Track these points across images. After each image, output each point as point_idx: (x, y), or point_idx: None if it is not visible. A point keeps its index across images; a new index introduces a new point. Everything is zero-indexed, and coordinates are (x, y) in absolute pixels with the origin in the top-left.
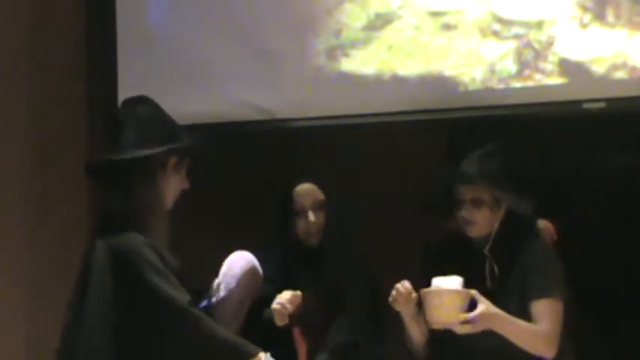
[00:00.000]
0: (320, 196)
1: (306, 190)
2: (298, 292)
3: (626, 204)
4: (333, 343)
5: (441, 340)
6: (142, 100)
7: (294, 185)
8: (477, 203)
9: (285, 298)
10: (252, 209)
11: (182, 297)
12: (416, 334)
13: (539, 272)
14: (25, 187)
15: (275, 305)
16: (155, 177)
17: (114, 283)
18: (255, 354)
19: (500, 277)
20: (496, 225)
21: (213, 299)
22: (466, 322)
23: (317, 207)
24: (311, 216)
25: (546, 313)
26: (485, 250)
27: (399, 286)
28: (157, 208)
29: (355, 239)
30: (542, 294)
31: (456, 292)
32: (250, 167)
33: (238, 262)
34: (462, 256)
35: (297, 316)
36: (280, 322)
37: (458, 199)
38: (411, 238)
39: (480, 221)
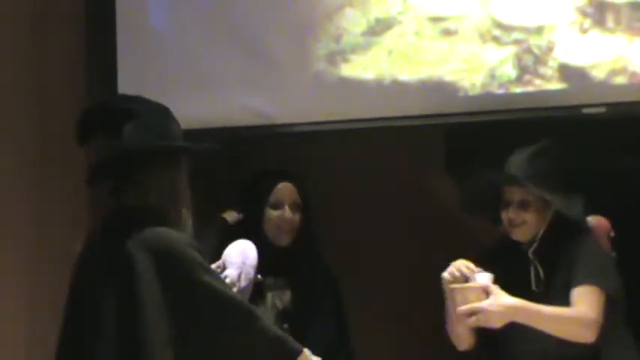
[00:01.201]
0: (298, 197)
1: (285, 187)
2: None
3: (627, 209)
4: None
5: (488, 342)
6: (145, 100)
7: (276, 183)
8: (524, 205)
9: None
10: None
11: (235, 293)
12: (461, 330)
13: (581, 264)
14: (26, 187)
15: None
16: (181, 171)
17: (162, 290)
18: (302, 350)
19: (546, 279)
20: (543, 227)
21: (234, 290)
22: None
23: (294, 206)
24: (287, 211)
25: (584, 297)
26: (530, 253)
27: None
28: (188, 203)
29: (333, 245)
30: (581, 281)
31: (462, 289)
32: (249, 172)
33: (250, 251)
34: (507, 258)
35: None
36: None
37: (505, 201)
38: (405, 243)
39: (527, 224)
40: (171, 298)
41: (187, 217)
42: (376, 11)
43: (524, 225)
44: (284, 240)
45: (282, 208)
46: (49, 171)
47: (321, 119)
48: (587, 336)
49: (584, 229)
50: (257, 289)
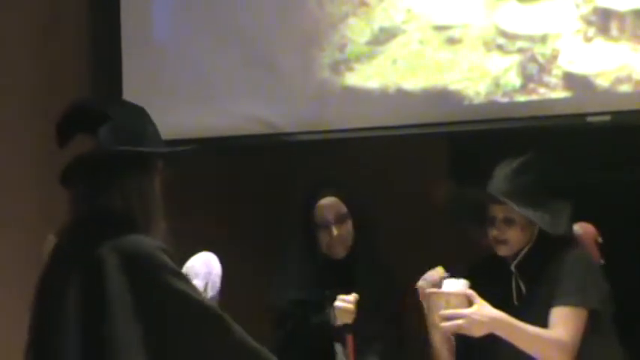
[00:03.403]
0: (343, 209)
1: (328, 203)
2: (356, 295)
3: (631, 218)
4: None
5: (467, 349)
6: (118, 99)
7: (317, 200)
8: (508, 222)
9: (347, 297)
10: (256, 223)
11: (208, 300)
12: (438, 338)
13: (563, 280)
14: (31, 193)
15: (339, 303)
16: (153, 176)
17: (133, 294)
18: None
19: (527, 294)
20: (528, 243)
21: None
22: (451, 320)
23: (340, 220)
24: (334, 230)
25: (561, 320)
26: (512, 266)
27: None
28: (160, 208)
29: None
30: (561, 301)
31: (445, 294)
32: (253, 181)
33: (214, 262)
34: (492, 270)
35: (354, 320)
36: (344, 320)
37: (490, 217)
38: (409, 250)
39: (512, 240)
40: (140, 301)
41: (158, 222)
42: (380, 20)
43: (509, 242)
44: (339, 253)
45: (328, 226)
46: (52, 173)
47: (326, 128)
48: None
49: (570, 242)
50: (320, 304)
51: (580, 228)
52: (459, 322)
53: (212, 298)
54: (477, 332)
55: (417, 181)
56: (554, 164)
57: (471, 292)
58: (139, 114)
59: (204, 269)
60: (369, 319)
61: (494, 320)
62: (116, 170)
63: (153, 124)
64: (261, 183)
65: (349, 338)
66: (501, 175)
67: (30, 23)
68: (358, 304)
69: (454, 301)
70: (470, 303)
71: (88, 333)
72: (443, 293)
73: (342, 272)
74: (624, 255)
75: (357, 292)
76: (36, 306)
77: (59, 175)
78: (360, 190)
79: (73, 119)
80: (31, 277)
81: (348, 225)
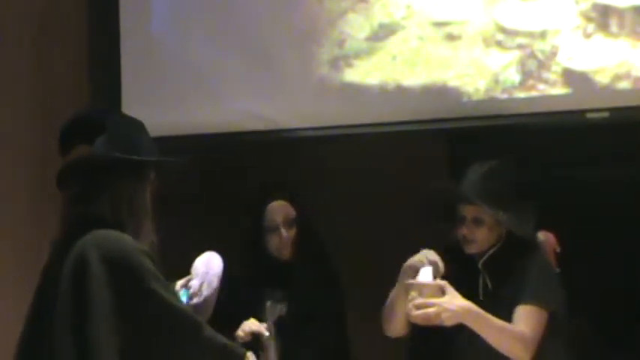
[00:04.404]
0: (292, 212)
1: (277, 207)
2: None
3: (630, 214)
4: None
5: (426, 337)
6: (117, 111)
7: (267, 203)
8: (477, 222)
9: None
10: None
11: (182, 304)
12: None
13: (528, 282)
14: (29, 194)
15: (239, 332)
16: (145, 185)
17: (113, 293)
18: (245, 354)
19: (493, 291)
20: (496, 243)
21: (196, 299)
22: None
23: (288, 223)
24: (282, 232)
25: (525, 317)
26: (480, 264)
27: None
28: (149, 216)
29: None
30: (525, 300)
31: (418, 285)
32: (253, 177)
33: (215, 261)
34: (459, 265)
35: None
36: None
37: (459, 216)
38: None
39: (480, 240)
40: (121, 302)
41: (148, 229)
42: (380, 16)
43: (477, 241)
44: (284, 254)
45: (277, 229)
46: (50, 173)
47: (325, 124)
48: (522, 354)
49: (534, 246)
50: (258, 301)
51: (542, 235)
52: (430, 310)
53: (207, 296)
54: (448, 321)
55: (416, 179)
56: (524, 168)
57: (444, 282)
58: (136, 126)
59: (202, 269)
60: (305, 322)
61: (464, 310)
62: (108, 176)
63: (148, 137)
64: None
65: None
66: (474, 177)
67: (29, 22)
68: (297, 305)
69: (427, 291)
70: (443, 293)
71: (74, 333)
72: (416, 284)
73: (285, 273)
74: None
75: (298, 293)
76: (33, 305)
77: (55, 177)
78: (362, 191)
79: (73, 130)
80: (25, 283)
81: (294, 229)
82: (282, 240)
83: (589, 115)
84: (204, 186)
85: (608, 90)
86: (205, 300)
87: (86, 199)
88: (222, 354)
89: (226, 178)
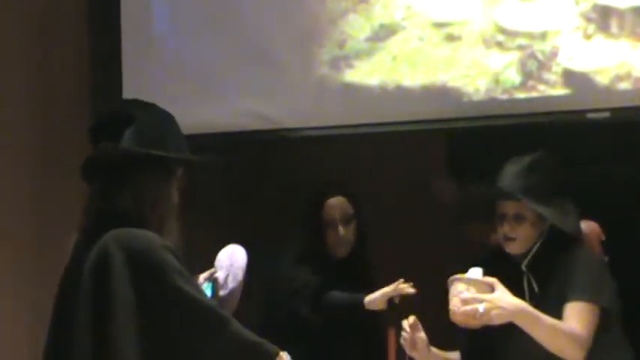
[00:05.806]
0: (350, 209)
1: (335, 203)
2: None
3: (631, 214)
4: None
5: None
6: (150, 104)
7: (324, 200)
8: (519, 219)
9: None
10: (255, 217)
11: (208, 299)
12: None
13: (575, 279)
14: (30, 194)
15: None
16: (171, 181)
17: (135, 292)
18: (278, 353)
19: (540, 292)
20: (537, 240)
21: (222, 292)
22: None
23: (346, 220)
24: (341, 229)
25: (576, 314)
26: (523, 266)
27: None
28: (173, 213)
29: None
30: (574, 296)
31: (466, 279)
32: (254, 176)
33: (239, 254)
34: (500, 269)
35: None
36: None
37: (499, 214)
38: (409, 245)
39: (522, 237)
40: (144, 300)
41: (171, 226)
42: (380, 17)
43: (519, 239)
44: (342, 252)
45: (335, 226)
46: (50, 173)
47: (325, 124)
48: (575, 354)
49: (579, 241)
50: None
51: (585, 225)
52: (479, 305)
53: (232, 288)
54: (497, 319)
55: (417, 178)
56: (562, 163)
57: (494, 280)
58: (167, 120)
59: (227, 262)
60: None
61: (516, 307)
62: (131, 171)
63: (179, 131)
64: (259, 177)
65: (391, 334)
66: (513, 172)
67: (29, 22)
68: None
69: (475, 286)
70: (492, 291)
71: (95, 331)
72: (465, 279)
73: (342, 271)
74: (626, 252)
75: (355, 291)
76: (56, 301)
77: (80, 169)
78: (364, 191)
79: (102, 124)
80: (25, 283)
81: (352, 226)
82: (339, 238)
83: (590, 116)
84: (204, 186)
85: (608, 90)
86: (231, 293)
87: (109, 195)
88: (251, 350)
89: (226, 178)
